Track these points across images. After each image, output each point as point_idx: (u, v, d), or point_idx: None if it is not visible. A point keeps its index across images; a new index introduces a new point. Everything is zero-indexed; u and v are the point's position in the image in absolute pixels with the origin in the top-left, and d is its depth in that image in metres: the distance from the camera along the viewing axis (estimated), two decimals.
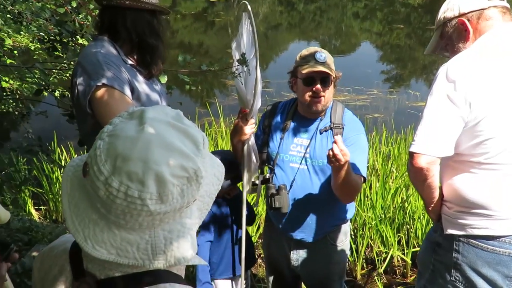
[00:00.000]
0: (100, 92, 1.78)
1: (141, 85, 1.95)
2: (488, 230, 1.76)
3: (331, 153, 1.91)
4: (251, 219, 2.70)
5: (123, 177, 0.81)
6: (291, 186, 2.30)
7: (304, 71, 2.18)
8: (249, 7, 2.11)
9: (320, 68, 2.16)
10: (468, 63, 1.72)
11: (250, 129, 2.22)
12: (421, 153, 1.73)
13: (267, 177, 2.35)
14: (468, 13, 1.84)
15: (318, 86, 2.18)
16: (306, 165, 2.29)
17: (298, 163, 2.30)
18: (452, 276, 1.88)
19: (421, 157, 1.73)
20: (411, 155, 1.76)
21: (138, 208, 0.83)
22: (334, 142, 1.91)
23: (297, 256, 2.45)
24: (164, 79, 2.37)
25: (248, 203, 2.55)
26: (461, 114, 1.68)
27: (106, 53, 1.85)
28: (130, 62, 1.96)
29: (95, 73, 1.79)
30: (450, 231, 1.85)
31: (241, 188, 2.45)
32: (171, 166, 0.83)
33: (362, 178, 2.20)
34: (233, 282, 2.65)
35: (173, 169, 0.83)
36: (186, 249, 0.91)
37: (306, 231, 2.35)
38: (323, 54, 2.19)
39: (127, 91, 1.82)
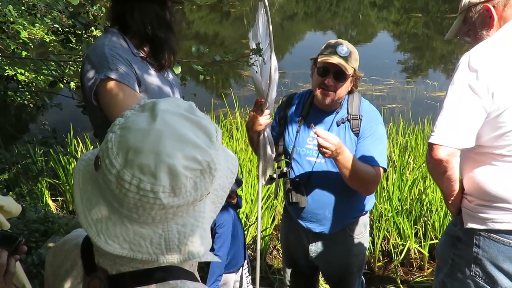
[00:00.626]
0: (104, 85, 1.77)
1: (151, 77, 1.92)
2: (510, 225, 1.71)
3: (318, 144, 1.97)
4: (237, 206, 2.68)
5: (135, 170, 0.80)
6: (308, 180, 2.27)
7: (319, 60, 2.14)
8: None
9: (336, 60, 2.09)
10: (492, 51, 1.66)
11: (265, 119, 2.20)
12: (441, 144, 1.67)
13: (285, 171, 2.33)
14: None
15: (330, 79, 2.13)
16: (323, 158, 2.24)
17: (315, 156, 2.26)
18: (472, 271, 1.84)
19: (441, 149, 1.68)
20: (431, 146, 1.71)
21: (150, 201, 0.81)
22: (315, 133, 1.97)
23: (316, 248, 2.42)
24: (178, 69, 2.35)
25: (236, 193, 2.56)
26: (483, 104, 1.62)
27: (113, 46, 1.84)
28: (141, 54, 1.94)
29: (100, 66, 1.78)
30: (470, 225, 1.81)
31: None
32: (183, 159, 0.81)
33: (381, 168, 2.16)
34: (235, 274, 2.66)
35: (185, 161, 0.81)
36: (199, 243, 0.89)
37: (325, 224, 2.32)
38: (345, 48, 2.12)
39: (132, 84, 1.81)
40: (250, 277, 2.78)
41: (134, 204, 0.82)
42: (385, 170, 2.19)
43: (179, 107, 0.89)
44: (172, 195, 0.81)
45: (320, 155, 2.21)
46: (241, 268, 2.66)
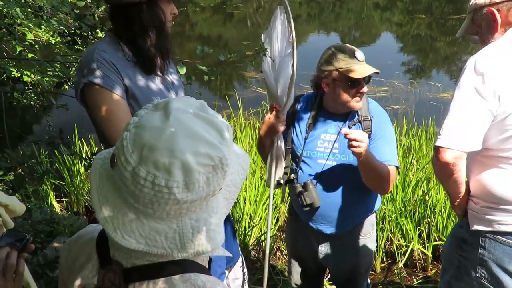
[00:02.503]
0: (87, 89, 1.81)
1: (141, 82, 1.91)
2: None
3: (353, 141, 1.96)
4: None
5: (150, 167, 0.83)
6: (319, 181, 2.27)
7: (353, 75, 2.10)
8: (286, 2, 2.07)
9: (369, 69, 2.12)
10: (498, 55, 1.67)
11: (282, 126, 2.19)
12: (447, 147, 1.68)
13: (291, 178, 2.33)
14: (499, 3, 1.76)
15: (365, 87, 2.16)
16: (335, 160, 2.26)
17: (325, 159, 2.27)
18: (477, 272, 1.84)
19: (447, 152, 1.68)
20: (437, 149, 1.71)
21: (165, 196, 0.84)
22: (345, 134, 1.98)
23: (326, 249, 2.43)
24: (182, 70, 2.36)
25: None
26: (489, 107, 1.63)
27: (102, 51, 1.84)
28: (134, 59, 1.93)
29: (86, 71, 1.81)
30: (476, 227, 1.81)
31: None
32: (196, 155, 0.84)
33: (395, 167, 2.20)
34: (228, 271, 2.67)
35: (198, 157, 0.84)
36: (212, 238, 0.92)
37: (335, 225, 2.33)
38: (360, 52, 2.15)
39: (116, 90, 1.82)
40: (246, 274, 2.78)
41: (150, 199, 0.85)
42: (397, 168, 2.22)
43: (191, 105, 0.92)
44: (185, 190, 0.85)
45: (330, 157, 2.24)
46: (235, 265, 2.66)
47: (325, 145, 2.27)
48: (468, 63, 1.70)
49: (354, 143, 1.96)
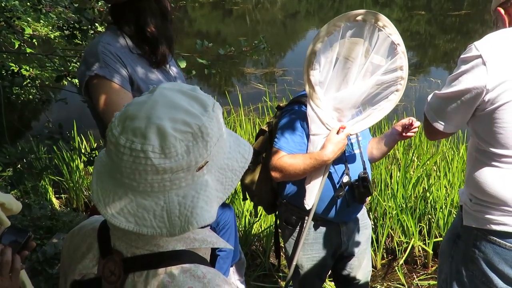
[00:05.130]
0: (93, 82, 1.81)
1: (146, 74, 1.93)
2: (506, 227, 1.69)
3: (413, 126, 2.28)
4: None
5: (129, 134, 0.84)
6: (348, 172, 2.21)
7: None
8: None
9: None
10: (497, 43, 1.65)
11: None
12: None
13: (363, 175, 2.20)
14: (507, 1, 1.74)
15: None
16: (359, 148, 2.26)
17: (357, 148, 2.27)
18: (469, 269, 1.83)
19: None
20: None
21: (142, 162, 0.84)
22: (412, 124, 2.27)
23: (347, 235, 2.37)
24: (183, 64, 2.35)
25: None
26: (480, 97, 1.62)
27: (106, 44, 1.85)
28: (138, 51, 1.94)
29: (91, 64, 1.81)
30: (468, 223, 1.80)
31: None
32: (173, 121, 0.85)
33: None
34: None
35: (175, 124, 0.85)
36: (200, 214, 0.89)
37: (357, 209, 2.35)
38: None
39: (122, 82, 1.83)
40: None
41: (130, 167, 0.85)
42: None
43: (181, 86, 0.94)
44: (163, 156, 0.83)
45: (356, 145, 2.27)
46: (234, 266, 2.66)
47: (351, 136, 2.22)
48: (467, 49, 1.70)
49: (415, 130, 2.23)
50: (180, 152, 0.84)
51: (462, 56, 1.68)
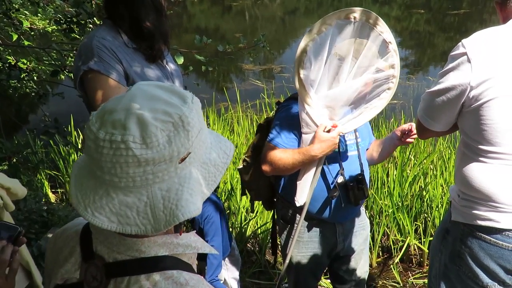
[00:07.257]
0: (88, 76, 1.81)
1: (142, 69, 1.93)
2: (491, 222, 1.69)
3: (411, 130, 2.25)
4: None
5: (108, 127, 0.83)
6: (343, 173, 2.19)
7: None
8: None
9: None
10: (484, 40, 1.64)
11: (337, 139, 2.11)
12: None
13: (359, 177, 2.19)
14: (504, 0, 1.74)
15: None
16: (357, 149, 2.24)
17: (355, 150, 2.25)
18: (456, 265, 1.84)
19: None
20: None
21: (123, 153, 0.81)
22: (411, 130, 2.25)
23: (343, 236, 2.35)
24: (180, 60, 2.35)
25: None
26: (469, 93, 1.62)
27: (101, 38, 1.85)
28: (134, 45, 1.93)
29: (86, 58, 1.81)
30: (455, 218, 1.81)
31: None
32: (153, 111, 0.84)
33: None
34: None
35: (155, 113, 0.84)
36: (185, 206, 0.87)
37: (354, 210, 2.33)
38: None
39: (116, 76, 1.83)
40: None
41: (110, 160, 0.82)
42: None
43: (159, 83, 0.94)
44: (144, 146, 0.82)
45: (355, 147, 2.25)
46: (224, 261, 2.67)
47: (350, 137, 2.23)
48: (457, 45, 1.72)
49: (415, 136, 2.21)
50: (162, 142, 0.83)
51: (450, 53, 1.70)
